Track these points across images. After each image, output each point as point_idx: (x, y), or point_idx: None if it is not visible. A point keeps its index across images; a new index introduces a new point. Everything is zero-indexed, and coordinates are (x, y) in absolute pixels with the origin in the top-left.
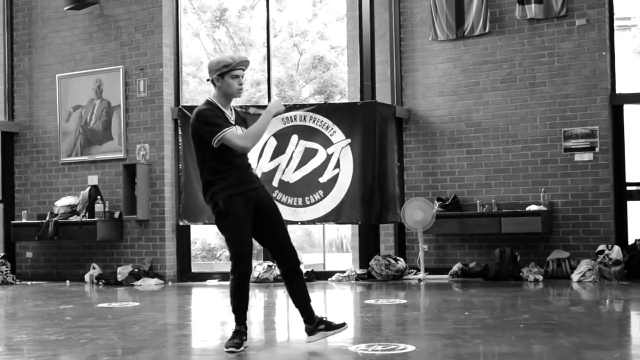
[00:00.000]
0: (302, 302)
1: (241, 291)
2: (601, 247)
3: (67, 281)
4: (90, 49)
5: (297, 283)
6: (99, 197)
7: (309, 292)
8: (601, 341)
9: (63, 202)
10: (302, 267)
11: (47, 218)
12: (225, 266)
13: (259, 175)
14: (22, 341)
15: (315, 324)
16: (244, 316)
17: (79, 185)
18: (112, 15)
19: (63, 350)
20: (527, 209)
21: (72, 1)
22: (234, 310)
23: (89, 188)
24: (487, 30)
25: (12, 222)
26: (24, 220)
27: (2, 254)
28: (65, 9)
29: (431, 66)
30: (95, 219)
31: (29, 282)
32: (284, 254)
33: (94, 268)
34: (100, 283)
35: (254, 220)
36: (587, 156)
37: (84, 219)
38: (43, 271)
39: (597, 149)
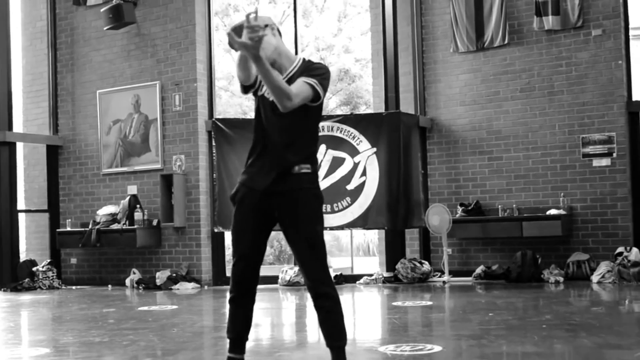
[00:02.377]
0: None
1: (234, 307)
2: (620, 249)
3: (109, 285)
4: (129, 66)
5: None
6: (138, 205)
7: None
8: (622, 341)
9: (105, 211)
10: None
11: (90, 226)
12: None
13: None
14: (68, 343)
15: None
16: (234, 341)
17: (119, 194)
18: (149, 33)
19: (107, 351)
20: (548, 213)
21: (111, 21)
22: (227, 332)
23: (128, 197)
24: (506, 41)
25: (58, 230)
26: (68, 229)
27: (49, 260)
28: (105, 28)
29: (453, 77)
30: (135, 226)
31: (73, 287)
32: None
33: (134, 273)
34: (140, 287)
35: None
36: (605, 161)
37: (124, 227)
38: (87, 276)
39: (614, 155)
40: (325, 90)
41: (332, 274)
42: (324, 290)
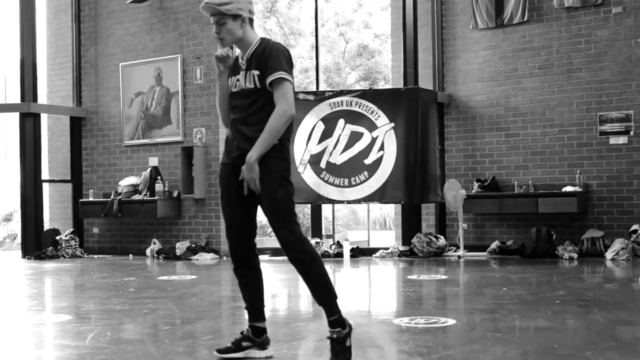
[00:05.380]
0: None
1: (238, 277)
2: (634, 226)
3: (130, 255)
4: (151, 39)
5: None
6: (159, 177)
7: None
8: (634, 317)
9: (126, 182)
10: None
11: (112, 197)
12: (276, 242)
13: (307, 158)
14: (90, 310)
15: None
16: (251, 312)
17: (140, 166)
18: (171, 7)
19: (127, 319)
20: (563, 190)
21: None
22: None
23: (150, 169)
24: (525, 18)
25: (80, 200)
26: (90, 199)
27: (72, 230)
28: (128, 2)
29: (471, 53)
30: (156, 197)
31: (95, 256)
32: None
33: (154, 243)
34: (160, 257)
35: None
36: (622, 139)
37: (145, 198)
38: (108, 246)
39: (631, 133)
40: (292, 68)
41: (347, 247)
42: (293, 255)
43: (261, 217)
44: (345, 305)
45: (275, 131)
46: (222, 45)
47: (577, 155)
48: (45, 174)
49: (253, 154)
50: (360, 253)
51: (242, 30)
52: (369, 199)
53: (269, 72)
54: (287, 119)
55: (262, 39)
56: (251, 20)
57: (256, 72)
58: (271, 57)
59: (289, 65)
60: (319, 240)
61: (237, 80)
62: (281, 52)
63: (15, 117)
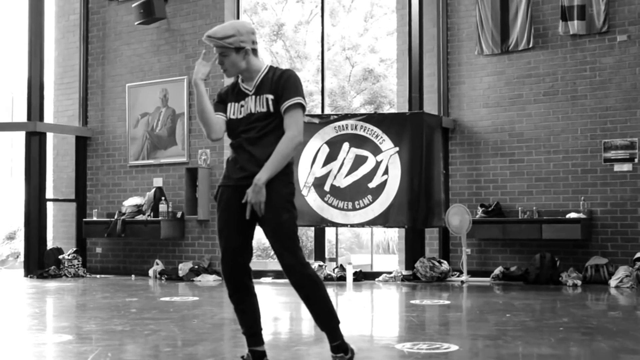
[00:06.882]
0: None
1: (234, 303)
2: (639, 254)
3: (133, 275)
4: (158, 60)
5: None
6: (163, 198)
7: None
8: (638, 345)
9: (130, 202)
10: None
11: (116, 216)
12: (278, 265)
13: (312, 181)
14: (91, 330)
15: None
16: (249, 336)
17: (145, 186)
18: (178, 29)
19: (128, 340)
20: (567, 216)
21: (142, 16)
22: (241, 327)
23: (154, 189)
24: (530, 45)
25: (84, 219)
26: (94, 218)
27: (75, 249)
28: (136, 23)
29: (477, 79)
30: (160, 218)
31: (98, 276)
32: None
33: (157, 264)
34: (162, 278)
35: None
36: (627, 167)
37: (149, 218)
38: (111, 265)
39: (636, 160)
40: (304, 95)
41: (350, 270)
42: (296, 279)
43: (264, 239)
44: (348, 329)
45: (285, 155)
46: (227, 76)
47: (581, 182)
48: (49, 193)
49: (262, 176)
50: (363, 277)
51: (245, 61)
52: (372, 222)
53: (287, 97)
54: (296, 145)
55: (271, 67)
56: (254, 50)
57: (270, 97)
58: (289, 83)
59: (303, 91)
60: (322, 263)
61: (242, 106)
62: (298, 80)
63: (21, 136)
